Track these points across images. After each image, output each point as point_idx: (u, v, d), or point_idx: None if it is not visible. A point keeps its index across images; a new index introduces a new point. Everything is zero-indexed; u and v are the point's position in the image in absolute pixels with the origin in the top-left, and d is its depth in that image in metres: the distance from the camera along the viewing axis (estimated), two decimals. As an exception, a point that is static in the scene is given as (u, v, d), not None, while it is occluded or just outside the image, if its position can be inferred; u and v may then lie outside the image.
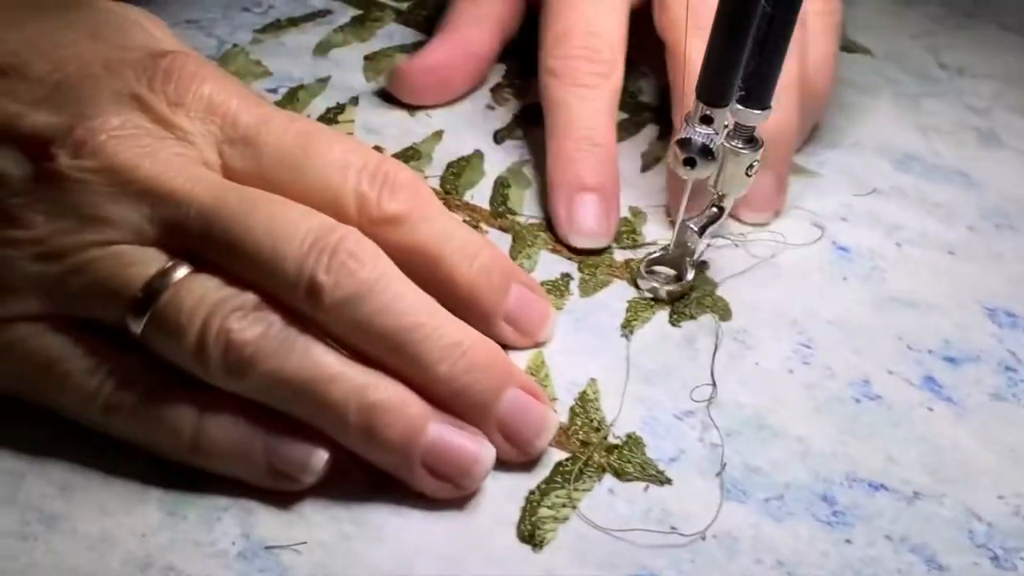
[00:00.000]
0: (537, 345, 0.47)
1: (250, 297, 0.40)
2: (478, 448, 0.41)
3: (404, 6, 0.62)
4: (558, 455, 0.43)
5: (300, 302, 0.40)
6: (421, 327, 0.40)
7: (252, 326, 0.39)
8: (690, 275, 0.50)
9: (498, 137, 0.56)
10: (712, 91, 0.45)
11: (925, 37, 0.69)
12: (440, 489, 0.41)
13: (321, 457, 0.40)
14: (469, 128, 0.56)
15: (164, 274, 0.39)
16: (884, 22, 0.68)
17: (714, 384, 0.46)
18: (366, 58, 0.59)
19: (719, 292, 0.51)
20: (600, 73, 0.52)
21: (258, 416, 0.40)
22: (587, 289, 0.50)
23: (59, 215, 0.39)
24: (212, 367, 0.39)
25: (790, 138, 0.53)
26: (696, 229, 0.50)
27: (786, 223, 0.55)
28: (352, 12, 0.61)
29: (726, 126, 0.47)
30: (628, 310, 0.49)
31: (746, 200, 0.52)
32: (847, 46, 0.67)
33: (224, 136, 0.42)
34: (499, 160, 0.55)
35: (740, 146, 0.47)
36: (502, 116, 0.58)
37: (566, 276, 0.50)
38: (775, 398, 0.46)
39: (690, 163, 0.46)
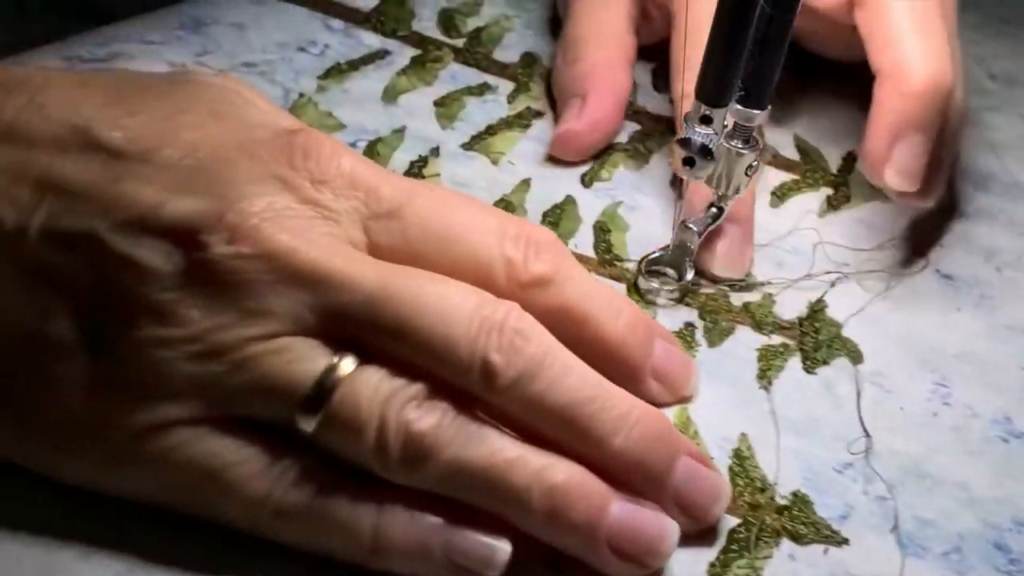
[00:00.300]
0: (682, 401, 0.45)
1: (421, 385, 0.38)
2: (662, 524, 0.39)
3: (460, 43, 0.60)
4: (729, 521, 0.42)
5: (473, 385, 0.38)
6: (592, 400, 0.39)
7: (428, 415, 0.37)
8: (689, 275, 0.49)
9: (585, 180, 0.55)
10: (712, 91, 0.45)
11: (970, 47, 0.68)
12: (625, 570, 0.39)
13: (504, 551, 0.38)
14: (554, 173, 0.55)
15: (333, 368, 0.37)
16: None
17: (867, 434, 0.45)
18: (436, 104, 0.56)
19: (844, 333, 0.49)
20: None
21: (434, 508, 0.38)
22: (713, 338, 0.48)
23: (216, 309, 0.37)
24: (391, 461, 0.37)
25: (946, 98, 0.50)
26: (696, 229, 0.49)
27: (889, 252, 0.54)
28: (410, 52, 0.59)
29: (725, 126, 0.47)
30: (760, 359, 0.48)
31: (896, 164, 0.50)
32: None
33: (369, 212, 0.40)
34: (591, 204, 0.53)
35: (740, 146, 0.47)
36: (583, 157, 0.56)
37: (690, 326, 0.49)
38: (927, 443, 0.45)
39: (689, 163, 0.46)
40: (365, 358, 0.38)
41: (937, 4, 0.51)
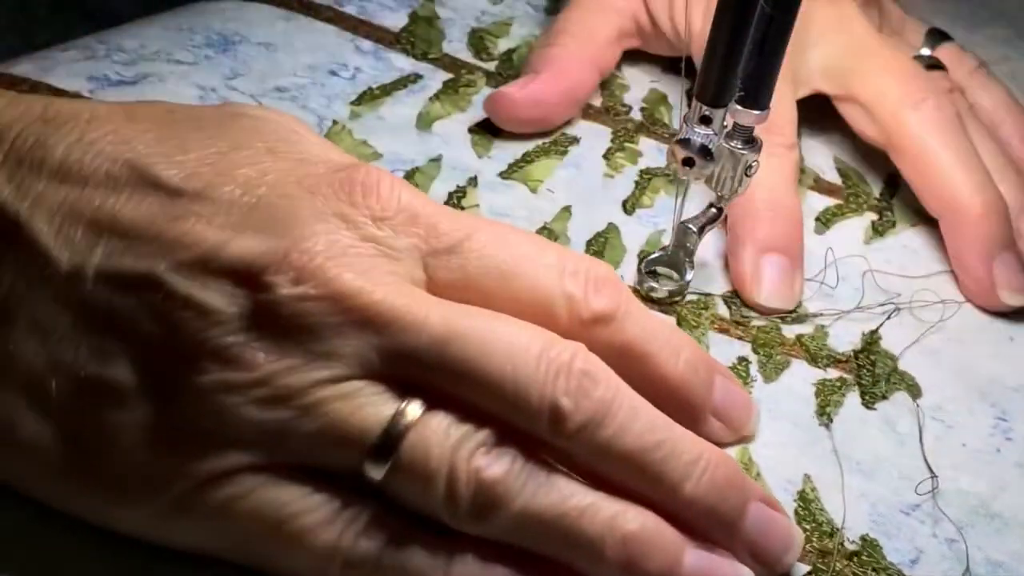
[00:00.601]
0: (743, 440, 0.44)
1: (489, 431, 0.36)
2: (737, 572, 0.38)
3: (491, 66, 0.59)
4: (799, 569, 0.41)
5: (541, 429, 0.37)
6: (661, 446, 0.38)
7: (497, 463, 0.36)
8: (689, 275, 0.49)
9: (627, 207, 0.53)
10: (711, 91, 0.45)
11: (1002, 63, 0.67)
12: None
13: None
14: (595, 201, 0.53)
15: (400, 414, 0.36)
16: (958, 50, 0.67)
17: (934, 474, 0.44)
18: (471, 131, 0.55)
19: (900, 366, 0.48)
20: (783, 144, 0.52)
21: (505, 558, 0.37)
22: (769, 373, 0.47)
23: (282, 352, 0.35)
24: (461, 511, 0.36)
25: (1006, 213, 0.53)
26: (695, 230, 0.49)
27: (937, 279, 0.53)
28: (442, 76, 0.57)
29: (725, 126, 0.46)
30: (817, 394, 0.47)
31: (1006, 284, 0.52)
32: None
33: (429, 248, 0.38)
34: (634, 232, 0.52)
35: (739, 146, 0.47)
36: (623, 184, 0.55)
37: (744, 361, 0.47)
38: (993, 481, 0.44)
39: (689, 163, 0.46)
40: (430, 401, 0.36)
41: (957, 127, 0.54)
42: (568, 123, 0.56)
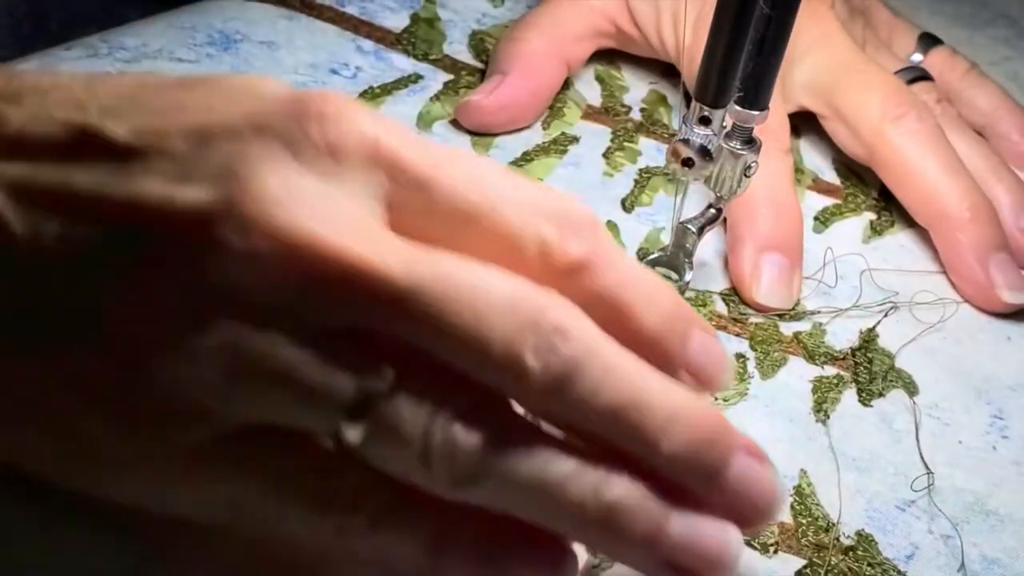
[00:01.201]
0: (715, 397, 0.43)
1: (463, 399, 0.35)
2: (724, 535, 0.37)
3: (491, 67, 0.59)
4: (794, 562, 0.41)
5: (509, 389, 0.35)
6: (635, 404, 0.36)
7: (472, 430, 0.35)
8: (688, 276, 0.49)
9: (626, 205, 0.54)
10: (710, 92, 0.45)
11: (1003, 64, 0.68)
12: None
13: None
14: (593, 198, 0.53)
15: (372, 375, 0.34)
16: (959, 50, 0.67)
17: (929, 471, 0.44)
18: (470, 131, 0.55)
19: (897, 364, 0.48)
20: (780, 148, 0.52)
21: (491, 522, 0.36)
22: (766, 370, 0.47)
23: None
24: (439, 477, 0.35)
25: (993, 211, 0.54)
26: (695, 231, 0.49)
27: (937, 280, 0.53)
28: (442, 77, 0.57)
29: (724, 127, 0.46)
30: (814, 391, 0.47)
31: (1005, 284, 0.52)
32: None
33: (392, 183, 0.36)
34: (633, 230, 0.52)
35: (738, 147, 0.47)
36: (622, 182, 0.55)
37: (741, 357, 0.48)
38: (989, 479, 0.45)
39: (688, 163, 0.46)
40: (402, 367, 0.35)
41: (939, 137, 0.54)
42: (568, 124, 0.57)
